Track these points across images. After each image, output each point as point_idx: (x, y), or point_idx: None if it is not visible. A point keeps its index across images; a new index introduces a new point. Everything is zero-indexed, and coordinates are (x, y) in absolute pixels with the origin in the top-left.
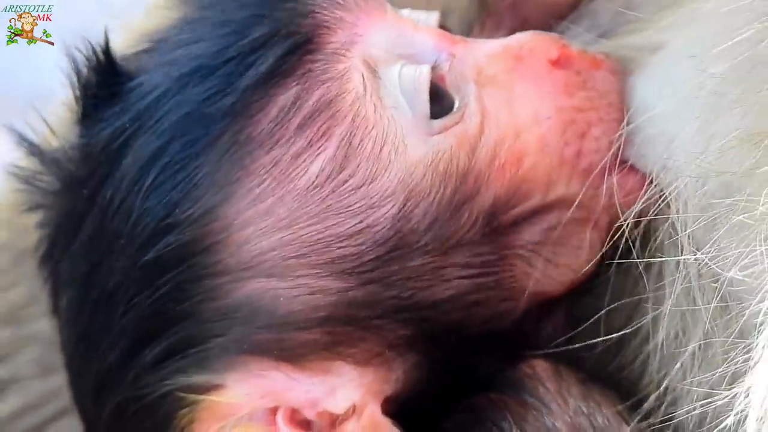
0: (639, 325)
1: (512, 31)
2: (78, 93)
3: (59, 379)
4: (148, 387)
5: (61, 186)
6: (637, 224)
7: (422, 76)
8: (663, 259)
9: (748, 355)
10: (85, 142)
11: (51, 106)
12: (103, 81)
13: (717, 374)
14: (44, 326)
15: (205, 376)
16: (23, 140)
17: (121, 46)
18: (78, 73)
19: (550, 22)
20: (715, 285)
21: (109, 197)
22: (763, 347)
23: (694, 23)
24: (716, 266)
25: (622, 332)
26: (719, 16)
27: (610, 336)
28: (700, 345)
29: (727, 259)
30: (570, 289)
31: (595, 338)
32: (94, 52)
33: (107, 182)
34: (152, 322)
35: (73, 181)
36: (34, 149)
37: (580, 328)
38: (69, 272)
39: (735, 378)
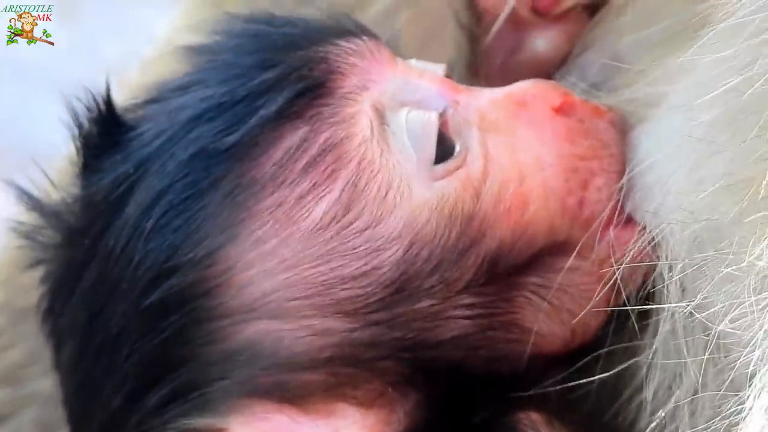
0: (631, 373)
1: None
2: (79, 144)
3: None
4: (152, 431)
5: (62, 239)
6: (634, 275)
7: (431, 121)
8: (650, 306)
9: (741, 407)
10: (86, 193)
11: (52, 160)
12: (105, 131)
13: (711, 428)
14: (44, 386)
15: (209, 419)
16: (24, 195)
17: (118, 100)
18: (79, 124)
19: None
20: (706, 336)
21: (111, 245)
22: (754, 399)
23: (684, 74)
24: (706, 317)
25: (613, 371)
26: (706, 67)
27: (602, 375)
28: (689, 396)
29: (716, 310)
30: (573, 345)
31: (591, 392)
32: (96, 103)
33: (109, 230)
34: (155, 366)
35: (73, 233)
36: (34, 203)
37: (576, 367)
38: (70, 324)
39: (729, 430)
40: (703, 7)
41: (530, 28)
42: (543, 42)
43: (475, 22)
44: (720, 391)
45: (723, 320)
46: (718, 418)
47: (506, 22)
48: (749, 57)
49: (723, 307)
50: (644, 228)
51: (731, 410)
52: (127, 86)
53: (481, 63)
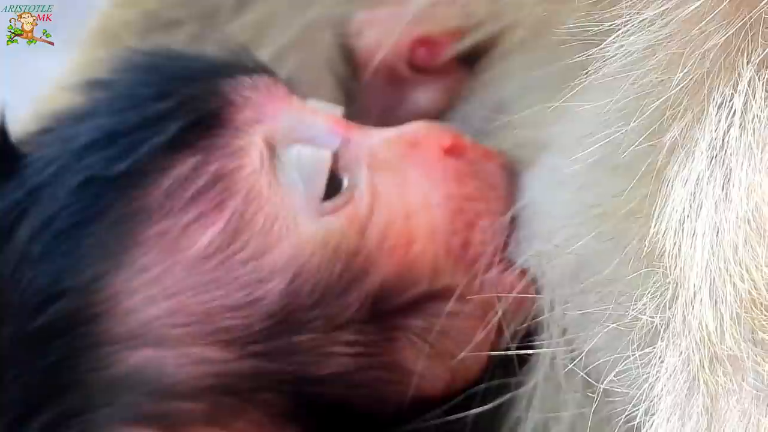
0: (507, 411)
1: None
2: None
3: None
4: None
5: None
6: (515, 316)
7: (323, 159)
8: (529, 351)
9: None
10: None
11: None
12: None
13: None
14: None
15: None
16: None
17: (13, 134)
18: None
19: None
20: (585, 376)
21: (0, 271)
22: None
23: (568, 119)
24: (588, 368)
25: (489, 405)
26: (586, 114)
27: (478, 409)
28: None
29: (600, 364)
30: (456, 386)
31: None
32: None
33: None
34: (40, 391)
35: None
36: None
37: (454, 403)
38: None
39: None
40: (585, 54)
41: (409, 85)
42: (423, 98)
43: (352, 75)
44: None
45: (608, 376)
46: None
47: (383, 80)
48: (627, 109)
49: (607, 361)
50: (525, 269)
51: None
52: (21, 122)
53: (358, 117)
